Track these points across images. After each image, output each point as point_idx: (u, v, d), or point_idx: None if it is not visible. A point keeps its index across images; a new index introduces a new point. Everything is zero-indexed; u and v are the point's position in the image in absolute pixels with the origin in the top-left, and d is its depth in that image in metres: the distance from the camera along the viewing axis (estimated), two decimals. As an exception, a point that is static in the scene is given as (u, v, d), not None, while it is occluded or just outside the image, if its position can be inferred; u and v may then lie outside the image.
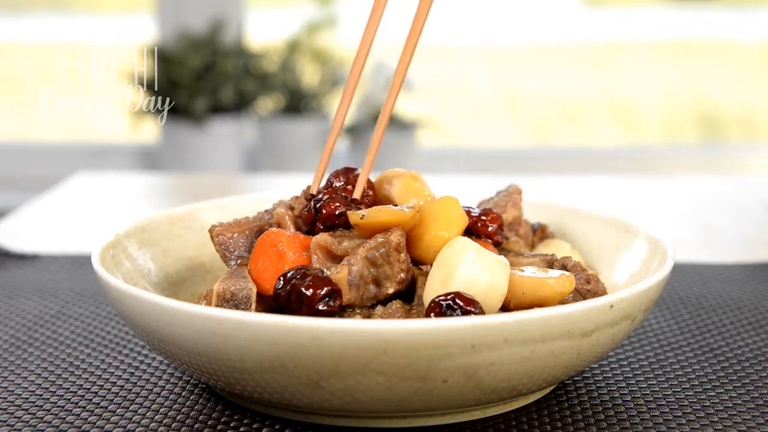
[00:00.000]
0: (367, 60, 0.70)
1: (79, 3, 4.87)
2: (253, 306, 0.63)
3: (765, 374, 0.67)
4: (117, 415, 0.61)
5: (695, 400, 0.63)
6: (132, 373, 0.68)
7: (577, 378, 0.67)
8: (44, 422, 0.60)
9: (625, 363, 0.69)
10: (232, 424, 0.60)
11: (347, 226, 0.65)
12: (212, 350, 0.55)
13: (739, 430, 0.59)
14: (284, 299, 0.60)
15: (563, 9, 4.67)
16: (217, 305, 0.63)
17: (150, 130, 3.35)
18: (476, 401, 0.58)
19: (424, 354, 0.53)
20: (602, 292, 0.66)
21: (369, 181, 0.69)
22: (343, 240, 0.64)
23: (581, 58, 4.65)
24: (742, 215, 1.13)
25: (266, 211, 0.71)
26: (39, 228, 1.09)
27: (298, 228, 0.68)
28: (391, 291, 0.63)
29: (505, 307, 0.62)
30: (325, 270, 0.61)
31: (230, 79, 3.03)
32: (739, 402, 0.63)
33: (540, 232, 0.75)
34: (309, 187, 0.70)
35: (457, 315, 0.57)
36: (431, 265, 0.63)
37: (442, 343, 0.52)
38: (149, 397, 0.64)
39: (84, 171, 1.40)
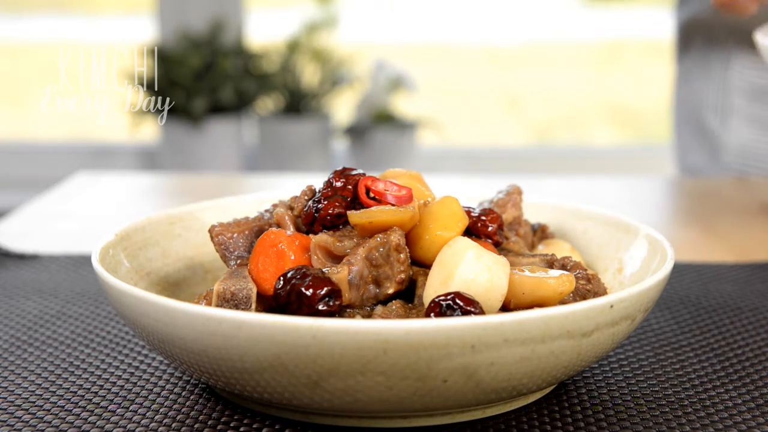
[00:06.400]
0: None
1: (79, 3, 4.87)
2: (253, 306, 0.63)
3: (765, 374, 0.67)
4: (117, 415, 0.61)
5: (695, 400, 0.63)
6: (132, 373, 0.68)
7: (577, 378, 0.67)
8: (44, 422, 0.60)
9: (625, 363, 0.69)
10: (232, 424, 0.60)
11: (347, 226, 0.65)
12: (212, 350, 0.55)
13: (739, 430, 0.59)
14: (284, 299, 0.60)
15: (563, 9, 4.67)
16: (217, 305, 0.63)
17: (150, 130, 3.35)
18: (476, 401, 0.58)
19: (424, 354, 0.53)
20: (602, 292, 0.66)
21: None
22: (343, 240, 0.64)
23: (581, 57, 4.65)
24: (742, 215, 1.13)
25: (266, 211, 0.71)
26: (39, 228, 1.09)
27: (298, 228, 0.68)
28: (391, 291, 0.63)
29: (505, 307, 0.62)
30: (325, 270, 0.61)
31: (230, 79, 3.03)
32: (739, 402, 0.63)
33: (540, 232, 0.75)
34: (309, 187, 0.70)
35: (457, 315, 0.57)
36: (431, 265, 0.63)
37: (442, 343, 0.52)
38: (149, 397, 0.64)
39: (84, 171, 1.40)
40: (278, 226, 0.68)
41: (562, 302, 0.62)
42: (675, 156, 1.51)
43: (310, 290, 0.59)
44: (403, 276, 0.63)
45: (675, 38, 1.49)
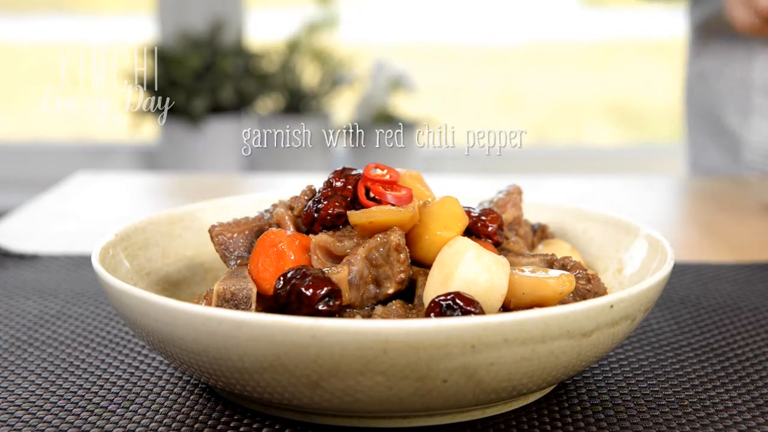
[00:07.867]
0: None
1: (79, 3, 4.87)
2: (253, 306, 0.63)
3: (765, 374, 0.67)
4: (117, 415, 0.61)
5: (695, 400, 0.63)
6: (132, 373, 0.68)
7: (577, 378, 0.67)
8: (44, 422, 0.60)
9: (625, 363, 0.69)
10: (232, 424, 0.60)
11: (347, 226, 0.65)
12: (212, 350, 0.55)
13: (739, 430, 0.59)
14: (284, 299, 0.60)
15: (563, 9, 4.67)
16: (217, 305, 0.63)
17: (150, 130, 3.35)
18: (476, 401, 0.58)
19: (424, 354, 0.53)
20: (602, 292, 0.66)
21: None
22: (343, 240, 0.64)
23: (581, 58, 4.65)
24: (742, 215, 1.13)
25: (266, 211, 0.71)
26: (39, 228, 1.09)
27: (298, 228, 0.68)
28: (391, 291, 0.63)
29: (505, 307, 0.62)
30: (325, 270, 0.61)
31: (230, 79, 3.03)
32: (739, 402, 0.63)
33: (540, 232, 0.75)
34: (309, 187, 0.70)
35: (457, 315, 0.57)
36: (431, 265, 0.63)
37: (442, 343, 0.52)
38: (149, 397, 0.64)
39: (84, 171, 1.40)
40: (278, 226, 0.68)
41: (562, 302, 0.62)
42: (688, 157, 1.51)
43: (310, 290, 0.59)
44: (403, 276, 0.63)
45: (689, 38, 1.49)
